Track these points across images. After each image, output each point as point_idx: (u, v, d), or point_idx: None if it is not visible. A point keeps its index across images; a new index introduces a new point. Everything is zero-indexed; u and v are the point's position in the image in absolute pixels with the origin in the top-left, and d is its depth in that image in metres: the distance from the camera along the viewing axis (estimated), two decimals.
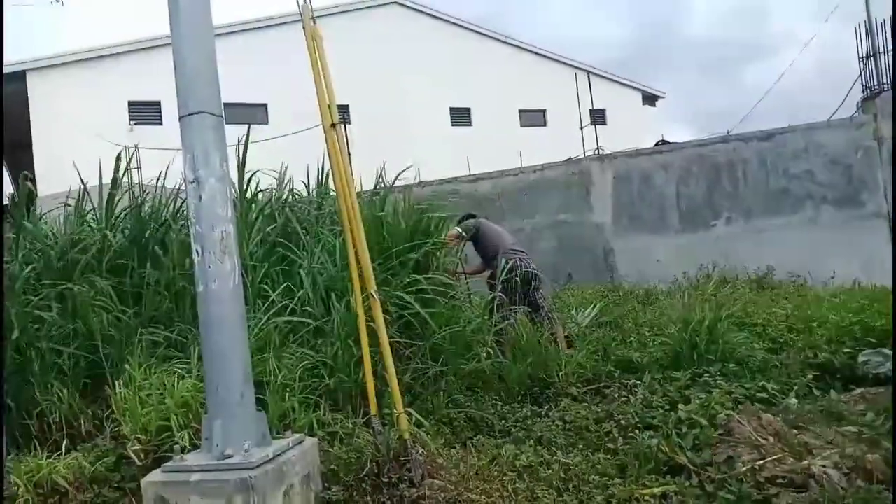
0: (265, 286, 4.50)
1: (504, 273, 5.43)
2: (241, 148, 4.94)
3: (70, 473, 3.25)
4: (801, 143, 9.74)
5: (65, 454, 3.44)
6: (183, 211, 5.08)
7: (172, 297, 4.33)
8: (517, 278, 5.49)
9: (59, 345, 4.03)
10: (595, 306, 6.71)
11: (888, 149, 9.28)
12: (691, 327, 4.78)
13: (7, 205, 4.98)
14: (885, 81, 10.90)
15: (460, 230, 5.70)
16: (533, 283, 5.68)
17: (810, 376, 4.31)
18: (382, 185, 5.78)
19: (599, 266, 10.17)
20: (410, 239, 4.77)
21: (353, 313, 4.09)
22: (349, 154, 3.70)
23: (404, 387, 4.13)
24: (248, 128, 5.06)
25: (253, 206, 5.18)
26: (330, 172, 4.15)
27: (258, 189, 5.39)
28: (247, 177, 5.06)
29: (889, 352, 4.35)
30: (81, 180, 4.98)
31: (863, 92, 11.06)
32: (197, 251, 2.78)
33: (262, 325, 4.04)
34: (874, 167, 9.50)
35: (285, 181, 5.84)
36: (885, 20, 11.12)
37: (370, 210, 4.97)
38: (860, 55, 11.20)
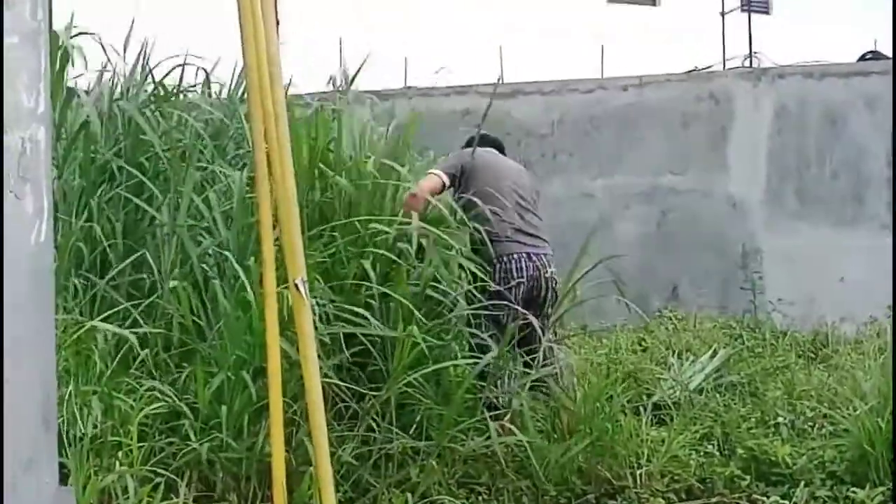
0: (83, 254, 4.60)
1: (499, 274, 5.47)
2: None
3: None
4: None
5: None
6: None
7: None
8: (517, 289, 5.49)
9: None
10: (716, 353, 6.73)
11: None
12: (893, 408, 4.79)
13: None
14: None
15: (445, 175, 5.65)
16: (545, 304, 5.67)
17: None
18: (340, 87, 5.81)
19: (731, 278, 10.17)
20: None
21: (255, 322, 4.10)
22: (277, 21, 3.71)
23: (342, 469, 4.14)
24: None
25: (78, 101, 5.21)
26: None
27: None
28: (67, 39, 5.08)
29: None
30: None
31: None
32: None
33: (77, 330, 4.07)
34: None
35: (147, 60, 5.81)
36: None
37: (309, 131, 5.00)
38: None
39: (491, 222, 5.50)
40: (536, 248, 5.64)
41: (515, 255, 5.53)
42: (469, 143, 5.95)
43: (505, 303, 5.29)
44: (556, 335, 5.85)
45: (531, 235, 5.67)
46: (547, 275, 5.59)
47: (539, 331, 5.35)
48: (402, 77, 11.84)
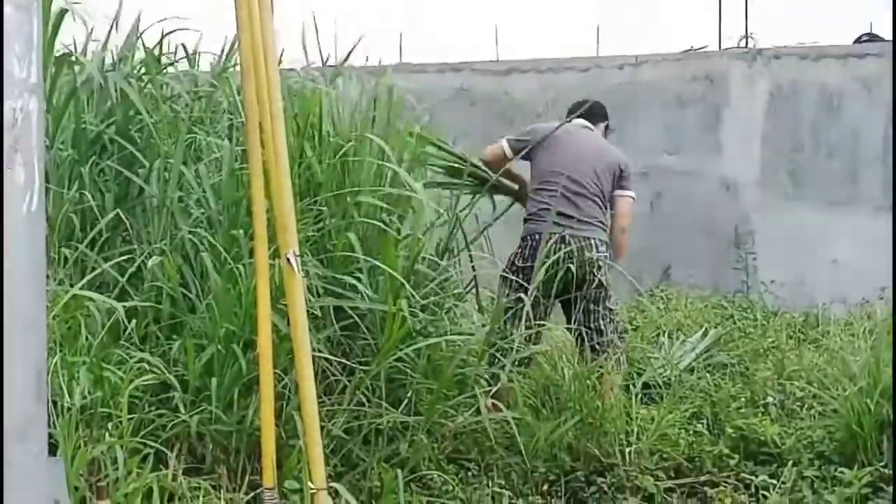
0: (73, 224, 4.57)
1: (528, 251, 5.63)
2: None
3: None
4: None
5: None
6: None
7: None
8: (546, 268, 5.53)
9: None
10: (707, 333, 6.77)
11: None
12: (880, 390, 4.81)
13: None
14: None
15: (507, 144, 5.99)
16: (588, 286, 5.74)
17: None
18: (333, 63, 5.80)
19: (723, 259, 10.17)
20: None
21: (246, 295, 4.10)
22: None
23: (331, 444, 4.16)
24: None
25: (68, 68, 5.19)
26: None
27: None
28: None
29: None
30: None
31: None
32: None
33: (66, 300, 4.08)
34: None
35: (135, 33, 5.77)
36: None
37: (299, 104, 4.98)
38: None
39: (533, 202, 5.84)
40: (576, 231, 5.74)
41: (549, 236, 5.63)
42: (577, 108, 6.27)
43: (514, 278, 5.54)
44: (608, 318, 5.92)
45: (574, 219, 5.77)
46: (584, 257, 5.70)
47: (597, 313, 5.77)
48: (396, 53, 11.79)
